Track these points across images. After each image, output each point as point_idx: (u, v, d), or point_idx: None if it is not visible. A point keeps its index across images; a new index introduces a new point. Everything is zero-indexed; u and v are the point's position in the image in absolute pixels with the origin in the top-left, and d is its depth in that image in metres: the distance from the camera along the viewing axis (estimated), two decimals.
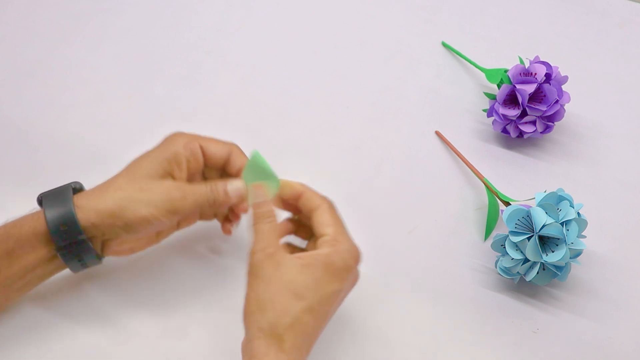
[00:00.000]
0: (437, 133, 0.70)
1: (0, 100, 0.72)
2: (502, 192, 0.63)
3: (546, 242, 0.56)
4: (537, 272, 0.57)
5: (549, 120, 0.67)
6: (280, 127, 0.70)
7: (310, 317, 0.47)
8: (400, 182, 0.67)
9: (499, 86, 0.68)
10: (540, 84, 0.65)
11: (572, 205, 0.56)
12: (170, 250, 0.62)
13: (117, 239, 0.53)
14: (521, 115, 0.66)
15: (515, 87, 0.65)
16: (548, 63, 0.65)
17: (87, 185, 0.54)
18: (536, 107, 0.65)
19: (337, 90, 0.74)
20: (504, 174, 0.67)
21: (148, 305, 0.59)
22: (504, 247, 0.57)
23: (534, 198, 0.57)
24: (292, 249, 0.55)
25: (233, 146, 0.56)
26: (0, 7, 0.79)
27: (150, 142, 0.55)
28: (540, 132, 0.67)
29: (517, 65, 0.66)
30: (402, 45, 0.77)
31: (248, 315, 0.48)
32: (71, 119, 0.70)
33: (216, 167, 0.56)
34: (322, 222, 0.51)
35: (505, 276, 0.58)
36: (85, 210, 0.51)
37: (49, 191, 0.53)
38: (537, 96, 0.66)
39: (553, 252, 0.55)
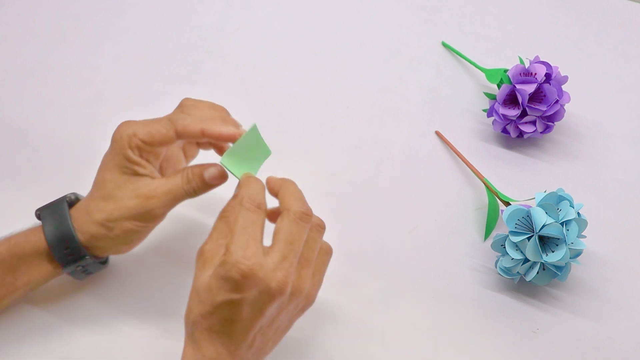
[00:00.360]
0: (437, 133, 0.70)
1: (0, 100, 0.72)
2: (502, 192, 0.63)
3: (546, 242, 0.56)
4: (537, 272, 0.57)
5: (549, 120, 0.67)
6: (280, 127, 0.70)
7: (210, 322, 0.46)
8: (400, 182, 0.67)
9: (499, 86, 0.68)
10: (540, 84, 0.65)
11: (572, 205, 0.56)
12: (170, 250, 0.62)
13: (119, 247, 0.54)
14: (521, 115, 0.66)
15: (515, 87, 0.65)
16: (548, 63, 0.65)
17: (87, 184, 0.54)
18: (536, 107, 0.65)
19: (337, 90, 0.74)
20: (504, 174, 0.67)
21: (148, 305, 0.59)
22: (504, 247, 0.57)
23: (534, 198, 0.57)
24: None
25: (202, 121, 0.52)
26: (0, 7, 0.79)
27: None
28: (540, 132, 0.67)
29: (517, 65, 0.66)
30: (402, 45, 0.77)
31: None
32: (71, 119, 0.70)
33: (189, 140, 0.55)
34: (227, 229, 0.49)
35: (505, 276, 0.58)
36: (85, 232, 0.52)
37: (46, 209, 0.53)
38: (537, 96, 0.66)
39: (553, 252, 0.55)
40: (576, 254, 0.57)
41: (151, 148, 0.52)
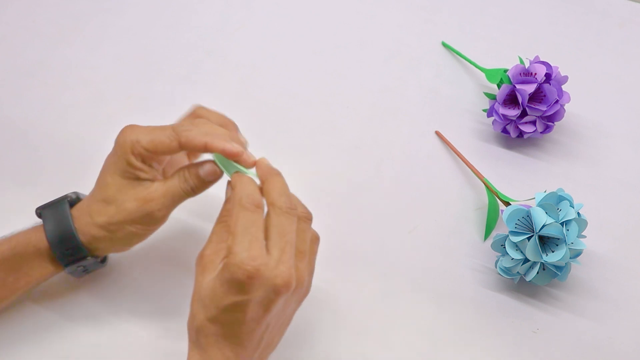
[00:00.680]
0: (437, 133, 0.70)
1: (0, 100, 0.72)
2: (502, 192, 0.63)
3: (546, 242, 0.56)
4: (537, 272, 0.57)
5: (549, 120, 0.67)
6: (280, 127, 0.70)
7: (217, 326, 0.46)
8: (400, 182, 0.67)
9: (499, 86, 0.68)
10: (540, 84, 0.65)
11: (572, 205, 0.56)
12: (171, 250, 0.62)
13: (121, 248, 0.54)
14: (521, 115, 0.66)
15: (515, 87, 0.65)
16: (548, 63, 0.65)
17: (87, 184, 0.54)
18: (536, 107, 0.65)
19: (337, 90, 0.74)
20: (504, 174, 0.67)
21: (149, 305, 0.59)
22: (504, 247, 0.57)
23: (534, 198, 0.57)
24: None
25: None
26: (0, 7, 0.79)
27: None
28: (540, 132, 0.67)
29: (517, 65, 0.66)
30: (402, 45, 0.77)
31: None
32: (71, 119, 0.70)
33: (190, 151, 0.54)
34: (226, 232, 0.48)
35: (505, 276, 0.58)
36: (86, 234, 0.52)
37: (47, 209, 0.53)
38: (537, 96, 0.66)
39: (553, 252, 0.55)
40: (576, 254, 0.57)
41: (154, 156, 0.52)
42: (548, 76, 0.65)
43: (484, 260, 0.62)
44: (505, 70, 0.67)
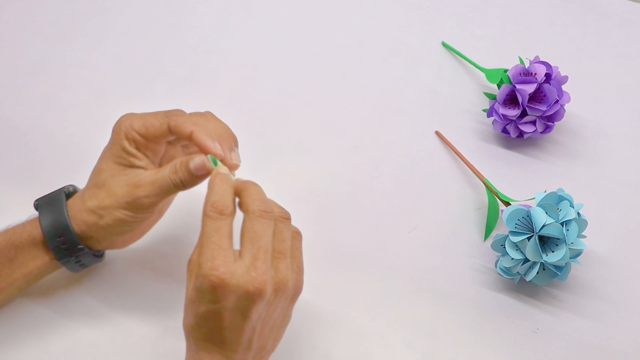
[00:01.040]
0: (437, 133, 0.70)
1: (0, 100, 0.72)
2: (502, 192, 0.63)
3: (546, 242, 0.56)
4: (537, 272, 0.57)
5: (549, 120, 0.67)
6: (280, 127, 0.70)
7: (201, 332, 0.47)
8: (400, 182, 0.67)
9: (499, 86, 0.68)
10: (540, 84, 0.65)
11: (572, 205, 0.56)
12: (171, 249, 0.62)
13: (112, 238, 0.54)
14: (521, 115, 0.66)
15: (515, 87, 0.65)
16: (548, 63, 0.65)
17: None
18: (536, 107, 0.65)
19: (337, 90, 0.74)
20: (504, 174, 0.67)
21: (148, 304, 0.59)
22: (504, 247, 0.57)
23: (534, 198, 0.57)
24: None
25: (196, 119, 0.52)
26: (0, 7, 0.79)
27: None
28: (540, 132, 0.67)
29: (517, 65, 0.66)
30: (402, 45, 0.77)
31: None
32: (71, 119, 0.70)
33: (181, 139, 0.54)
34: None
35: (505, 276, 0.58)
36: (78, 220, 0.52)
37: (43, 199, 0.54)
38: (537, 96, 0.66)
39: (553, 252, 0.55)
40: (576, 254, 0.57)
41: (147, 142, 0.52)
42: (548, 76, 0.65)
43: (484, 260, 0.62)
44: (505, 70, 0.67)
